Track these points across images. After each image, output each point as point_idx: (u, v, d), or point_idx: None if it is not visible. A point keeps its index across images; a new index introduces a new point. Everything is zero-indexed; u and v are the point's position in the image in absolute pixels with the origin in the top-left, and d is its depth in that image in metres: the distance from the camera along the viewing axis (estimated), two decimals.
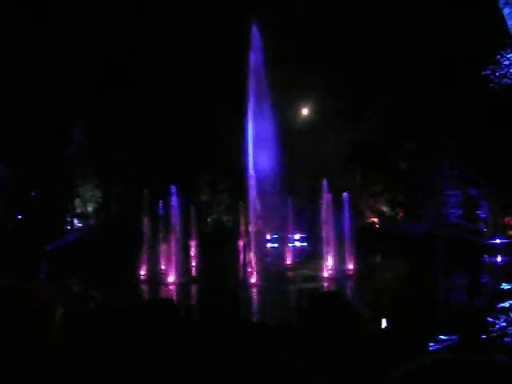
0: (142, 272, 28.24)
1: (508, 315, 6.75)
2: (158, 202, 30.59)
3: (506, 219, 48.87)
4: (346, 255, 29.37)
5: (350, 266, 28.82)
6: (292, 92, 43.23)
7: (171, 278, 25.69)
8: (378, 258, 36.89)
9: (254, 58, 28.63)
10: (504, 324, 6.62)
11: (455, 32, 33.34)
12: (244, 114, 29.50)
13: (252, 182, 27.41)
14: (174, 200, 29.45)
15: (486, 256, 36.23)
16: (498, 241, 43.56)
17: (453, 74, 36.24)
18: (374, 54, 40.71)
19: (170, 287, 24.32)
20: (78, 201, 42.80)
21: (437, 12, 34.73)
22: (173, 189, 29.86)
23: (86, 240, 34.19)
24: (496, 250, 39.20)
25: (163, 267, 28.35)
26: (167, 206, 29.58)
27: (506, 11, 6.42)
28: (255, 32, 28.57)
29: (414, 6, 36.13)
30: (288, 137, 37.61)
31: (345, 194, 31.74)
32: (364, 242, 31.20)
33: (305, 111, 50.44)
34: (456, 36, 33.39)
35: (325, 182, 29.25)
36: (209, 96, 40.37)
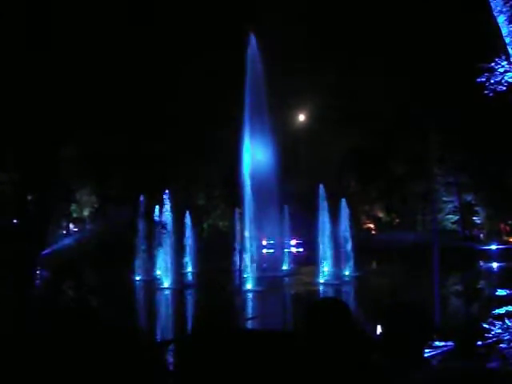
0: (138, 277, 28.17)
1: (504, 321, 6.76)
2: (154, 207, 30.53)
3: (501, 225, 49.09)
4: (342, 261, 29.40)
5: (347, 272, 28.86)
6: (290, 99, 43.40)
7: (166, 284, 25.62)
8: (374, 264, 36.92)
9: (251, 64, 28.76)
10: (500, 330, 6.63)
11: (451, 39, 33.61)
12: (241, 121, 29.58)
13: (248, 188, 27.42)
14: (169, 205, 29.43)
15: (481, 262, 36.34)
16: (493, 247, 43.69)
17: (446, 81, 36.47)
18: (371, 61, 40.97)
19: (165, 292, 24.23)
20: (74, 205, 42.71)
21: (433, 20, 35.00)
22: (169, 194, 29.82)
23: (82, 244, 34.08)
24: (492, 255, 39.31)
25: (158, 272, 28.30)
26: (163, 211, 29.54)
27: (500, 19, 6.49)
28: (252, 40, 28.70)
29: (411, 14, 36.42)
30: (285, 142, 37.64)
31: (342, 200, 31.82)
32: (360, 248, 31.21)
33: (302, 117, 50.61)
34: (451, 43, 33.66)
35: (321, 188, 29.28)
36: (206, 103, 40.48)
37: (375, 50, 40.63)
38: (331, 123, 45.81)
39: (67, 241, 34.36)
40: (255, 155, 28.77)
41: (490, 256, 38.66)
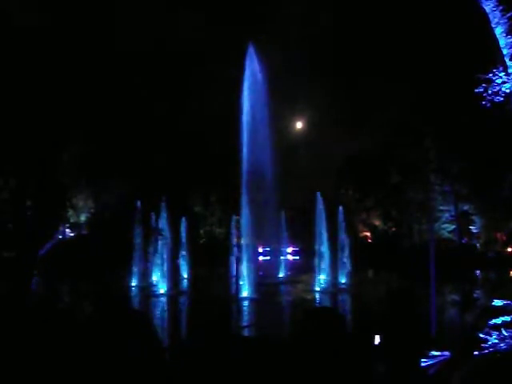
0: (134, 283, 28.05)
1: (500, 331, 6.76)
2: (151, 214, 30.45)
3: (497, 234, 49.19)
4: (339, 269, 29.40)
5: (343, 280, 28.83)
6: (289, 106, 43.61)
7: (162, 290, 25.52)
8: (371, 272, 36.89)
9: (250, 71, 28.80)
10: (496, 340, 6.62)
11: (450, 51, 33.90)
12: (239, 127, 29.55)
13: (245, 195, 27.35)
14: (166, 211, 29.37)
15: (478, 271, 36.38)
16: (489, 255, 43.84)
17: (445, 92, 36.70)
18: (371, 71, 41.27)
19: (161, 299, 24.09)
20: (70, 211, 42.52)
21: (433, 32, 35.29)
22: (165, 200, 29.75)
23: (78, 251, 33.92)
24: (488, 264, 39.36)
25: (155, 278, 28.19)
26: (160, 217, 29.47)
27: (498, 31, 6.56)
28: (251, 48, 28.76)
29: (411, 25, 36.73)
30: (283, 149, 37.70)
31: (339, 208, 31.85)
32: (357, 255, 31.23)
33: (300, 125, 50.81)
34: (450, 55, 33.95)
35: (318, 196, 29.30)
36: (205, 110, 40.59)
37: (375, 60, 40.95)
38: (329, 131, 46.04)
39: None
40: (253, 161, 28.72)
41: (486, 265, 38.71)
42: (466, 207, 47.55)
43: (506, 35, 6.59)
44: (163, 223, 29.10)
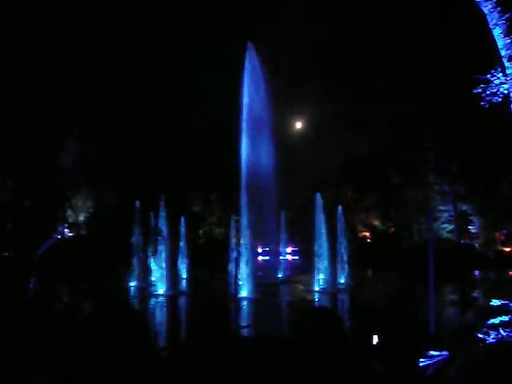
0: (133, 283, 28.06)
1: (498, 331, 6.79)
2: (150, 213, 30.42)
3: (496, 234, 49.25)
4: (338, 269, 29.40)
5: (342, 280, 28.86)
6: (289, 106, 43.65)
7: (161, 290, 25.53)
8: (370, 272, 36.92)
9: (250, 70, 28.79)
10: (494, 340, 6.66)
11: (449, 52, 34.00)
12: (239, 127, 29.56)
13: (245, 195, 27.36)
14: (165, 211, 29.35)
15: (476, 271, 36.42)
16: (488, 255, 43.87)
17: (445, 92, 36.73)
18: (371, 71, 41.38)
19: (160, 299, 24.10)
20: (69, 211, 42.49)
21: (433, 34, 35.37)
22: (165, 200, 29.73)
23: (77, 250, 33.89)
24: (487, 264, 39.40)
25: (153, 279, 28.18)
26: (159, 217, 29.45)
27: (496, 32, 6.60)
28: (251, 47, 28.74)
29: (412, 25, 36.83)
30: (283, 149, 37.69)
31: (338, 208, 31.86)
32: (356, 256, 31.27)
33: (300, 125, 50.84)
34: (450, 56, 34.05)
35: (318, 196, 29.31)
36: (204, 110, 40.58)
37: (375, 60, 41.05)
38: (329, 131, 46.10)
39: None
40: (253, 161, 28.73)
41: (484, 265, 38.74)
42: (464, 207, 47.62)
43: (504, 36, 6.63)
44: (162, 223, 29.07)
